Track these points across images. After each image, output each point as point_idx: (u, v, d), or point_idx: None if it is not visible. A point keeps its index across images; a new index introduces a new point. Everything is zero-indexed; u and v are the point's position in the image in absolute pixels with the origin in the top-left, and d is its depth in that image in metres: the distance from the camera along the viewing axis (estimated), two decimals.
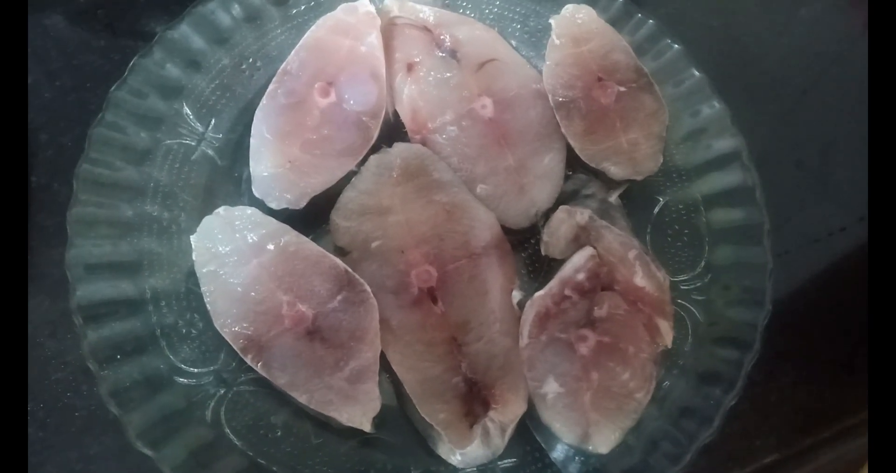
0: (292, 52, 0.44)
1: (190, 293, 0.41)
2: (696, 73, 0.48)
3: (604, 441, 0.37)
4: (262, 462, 0.37)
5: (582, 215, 0.41)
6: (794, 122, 0.56)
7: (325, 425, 0.38)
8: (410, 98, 0.45)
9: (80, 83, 0.51)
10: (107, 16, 0.54)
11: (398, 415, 0.40)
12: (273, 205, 0.41)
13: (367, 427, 0.36)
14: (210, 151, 0.45)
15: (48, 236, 0.46)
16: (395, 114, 0.46)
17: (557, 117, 0.44)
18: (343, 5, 0.46)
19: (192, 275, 0.40)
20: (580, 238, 0.41)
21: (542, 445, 0.39)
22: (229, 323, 0.37)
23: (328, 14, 0.46)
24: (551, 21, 0.47)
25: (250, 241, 0.39)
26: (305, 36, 0.45)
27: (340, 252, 0.41)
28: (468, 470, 0.39)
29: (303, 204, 0.41)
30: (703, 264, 0.45)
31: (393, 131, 0.46)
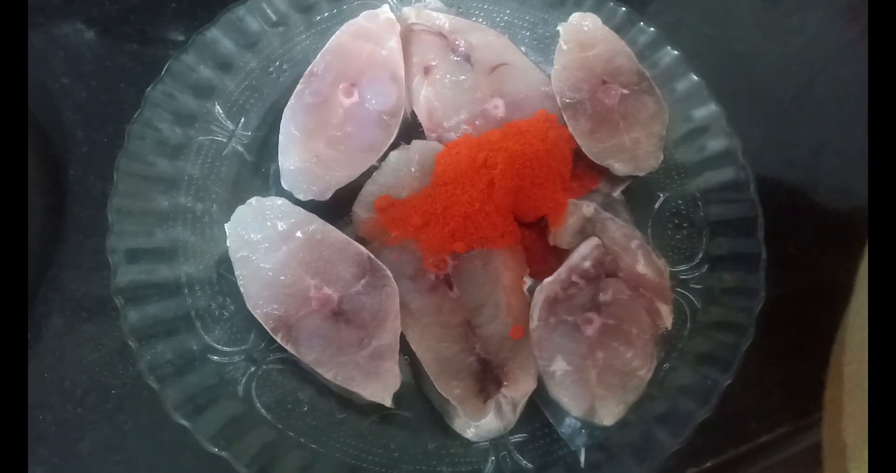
0: (318, 56, 0.47)
1: (221, 279, 0.43)
2: (694, 77, 0.51)
3: (608, 414, 0.39)
4: (291, 434, 0.39)
5: (588, 207, 0.43)
6: (786, 124, 0.58)
7: (347, 401, 0.41)
8: (427, 99, 0.48)
9: (113, 84, 0.53)
10: (138, 21, 0.56)
11: (416, 393, 0.42)
12: (300, 196, 0.43)
13: (388, 402, 0.39)
14: (239, 148, 0.48)
15: (83, 227, 0.48)
16: (413, 113, 0.48)
17: (564, 117, 0.46)
18: (365, 13, 0.49)
19: (222, 262, 0.43)
20: (586, 229, 0.44)
21: (551, 420, 0.41)
22: (260, 305, 0.40)
23: (351, 20, 0.48)
24: (559, 28, 0.49)
25: (280, 229, 0.41)
26: (330, 41, 0.48)
27: (362, 242, 0.43)
28: (481, 444, 0.41)
29: (328, 196, 0.43)
30: (700, 255, 0.47)
31: (411, 130, 0.48)
